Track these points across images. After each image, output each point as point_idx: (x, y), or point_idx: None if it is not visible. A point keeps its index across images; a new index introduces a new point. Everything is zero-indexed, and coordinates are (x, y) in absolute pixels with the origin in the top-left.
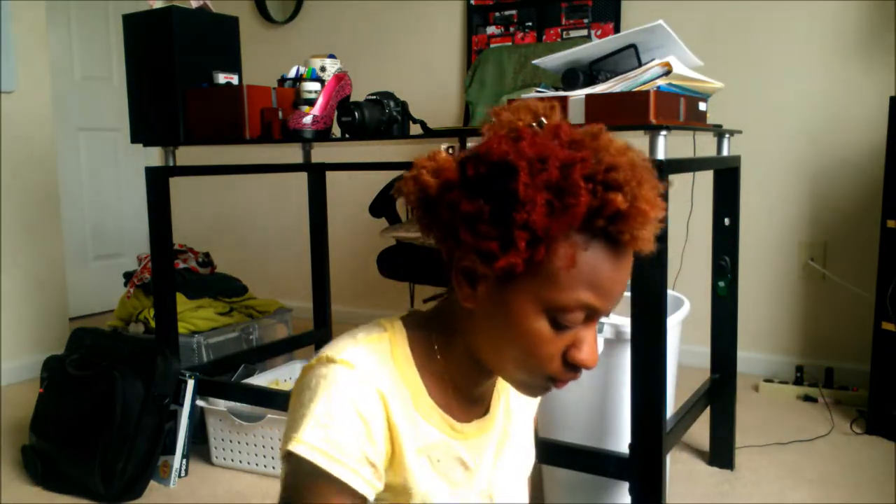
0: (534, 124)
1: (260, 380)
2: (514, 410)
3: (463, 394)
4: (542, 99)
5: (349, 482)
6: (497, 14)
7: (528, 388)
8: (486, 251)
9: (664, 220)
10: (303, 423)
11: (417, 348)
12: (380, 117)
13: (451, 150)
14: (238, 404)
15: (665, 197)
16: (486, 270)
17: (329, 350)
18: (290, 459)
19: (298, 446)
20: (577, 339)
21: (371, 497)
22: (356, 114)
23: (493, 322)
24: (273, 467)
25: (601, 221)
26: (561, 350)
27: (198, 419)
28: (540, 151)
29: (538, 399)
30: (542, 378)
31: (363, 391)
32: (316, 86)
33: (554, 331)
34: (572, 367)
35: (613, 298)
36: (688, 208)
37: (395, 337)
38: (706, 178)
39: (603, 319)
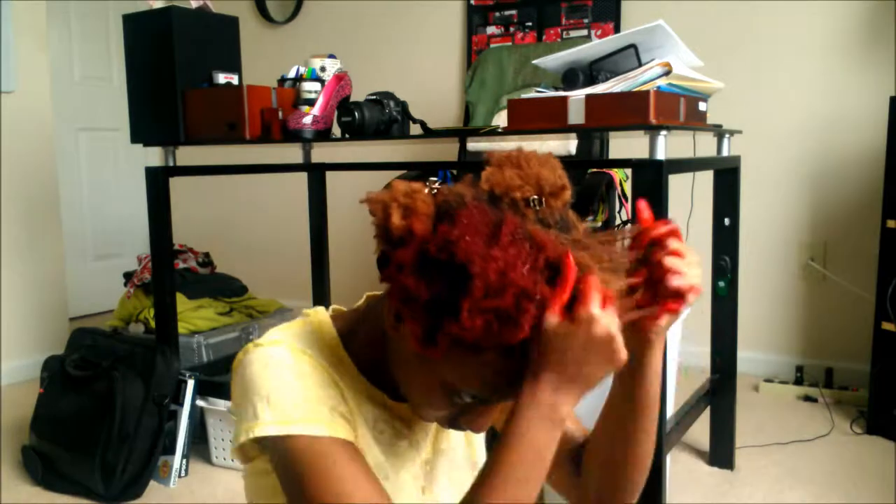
0: (534, 198)
1: None
2: None
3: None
4: (558, 169)
5: (329, 434)
6: (497, 14)
7: (421, 417)
8: (406, 327)
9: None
10: (257, 407)
11: (343, 328)
12: (380, 117)
13: (434, 192)
14: None
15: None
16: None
17: (254, 340)
18: (272, 447)
19: (265, 428)
20: (467, 407)
21: (353, 440)
22: (356, 114)
23: (404, 359)
24: None
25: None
26: (452, 412)
27: (198, 419)
28: (504, 270)
29: None
30: (434, 420)
31: (297, 359)
32: (316, 86)
33: (448, 399)
34: (460, 426)
35: (509, 395)
36: (688, 208)
37: (319, 318)
38: (706, 178)
39: None
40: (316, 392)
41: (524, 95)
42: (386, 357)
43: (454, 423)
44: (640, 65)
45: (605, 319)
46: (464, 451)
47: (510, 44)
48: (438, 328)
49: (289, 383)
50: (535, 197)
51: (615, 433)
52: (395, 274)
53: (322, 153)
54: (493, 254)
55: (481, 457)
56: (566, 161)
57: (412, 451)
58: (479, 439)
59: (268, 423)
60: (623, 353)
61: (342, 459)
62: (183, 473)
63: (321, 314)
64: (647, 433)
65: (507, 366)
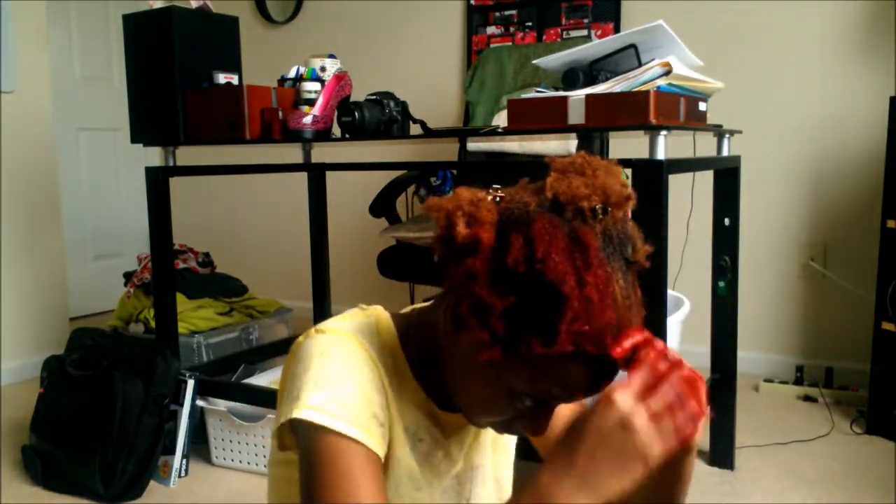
0: (599, 207)
1: (260, 380)
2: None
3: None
4: (623, 182)
5: (361, 440)
6: (497, 14)
7: (476, 424)
8: (478, 337)
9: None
10: (303, 390)
11: (401, 330)
12: (380, 117)
13: (497, 199)
14: (238, 404)
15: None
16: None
17: (317, 326)
18: (300, 429)
19: (303, 411)
20: (528, 412)
21: (382, 456)
22: (356, 114)
23: (460, 365)
24: None
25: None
26: (511, 417)
27: (198, 419)
28: (600, 296)
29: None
30: (490, 426)
31: (357, 354)
32: (316, 86)
33: (511, 403)
34: (518, 431)
35: (578, 397)
36: (688, 208)
37: (380, 316)
38: (706, 178)
39: None
40: (365, 394)
41: (524, 95)
42: (437, 364)
43: (510, 427)
44: (640, 65)
45: (626, 405)
46: (490, 468)
47: (510, 44)
48: (520, 341)
49: (341, 377)
50: (601, 206)
51: None
52: (464, 283)
53: (322, 153)
54: (587, 279)
55: (505, 474)
56: None
57: (446, 463)
58: (505, 456)
59: (309, 408)
60: (647, 457)
61: (365, 470)
62: (183, 473)
63: (381, 311)
64: None
65: (587, 373)
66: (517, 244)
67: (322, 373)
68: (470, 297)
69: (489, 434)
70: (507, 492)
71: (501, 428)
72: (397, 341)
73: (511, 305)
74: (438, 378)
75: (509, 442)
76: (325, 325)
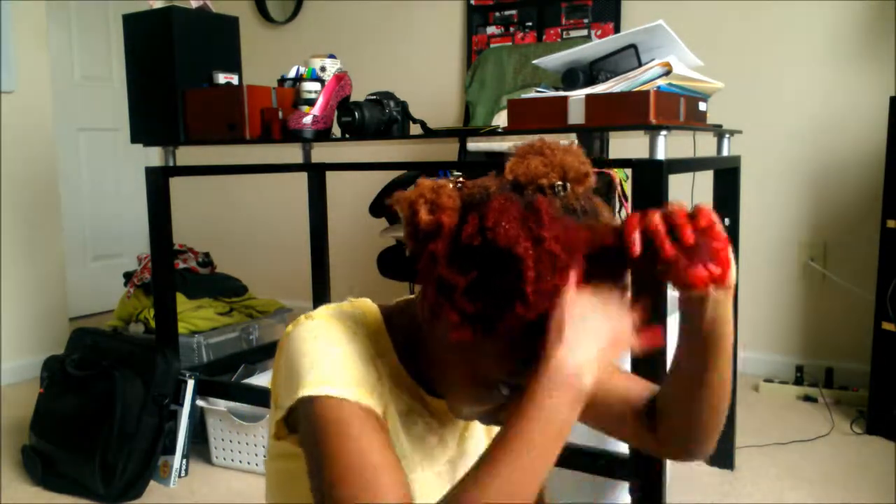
0: (558, 184)
1: (260, 380)
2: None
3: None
4: (582, 156)
5: (365, 403)
6: (497, 14)
7: (460, 416)
8: (449, 319)
9: None
10: (303, 371)
11: (387, 320)
12: (380, 117)
13: (459, 186)
14: (238, 404)
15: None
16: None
17: (306, 314)
18: (303, 407)
19: (310, 389)
20: (509, 400)
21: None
22: (356, 114)
23: (441, 354)
24: None
25: None
26: (492, 407)
27: (198, 419)
28: (560, 250)
29: None
30: (476, 417)
31: (348, 334)
32: (316, 86)
33: (487, 392)
34: (501, 421)
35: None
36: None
37: (368, 306)
38: (706, 178)
39: None
40: (357, 364)
41: (524, 95)
42: (421, 355)
43: (495, 417)
44: (640, 65)
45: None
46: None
47: (510, 44)
48: (494, 317)
49: (333, 351)
50: (560, 183)
51: (690, 383)
52: (428, 266)
53: (322, 153)
54: (543, 234)
55: None
56: None
57: (440, 448)
58: None
59: (313, 384)
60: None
61: (368, 429)
62: (183, 473)
63: (368, 302)
64: (722, 378)
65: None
66: (473, 221)
67: (318, 353)
68: (435, 279)
69: (476, 433)
70: None
71: (487, 419)
72: (384, 328)
73: (474, 281)
74: (425, 367)
75: None
76: (313, 312)
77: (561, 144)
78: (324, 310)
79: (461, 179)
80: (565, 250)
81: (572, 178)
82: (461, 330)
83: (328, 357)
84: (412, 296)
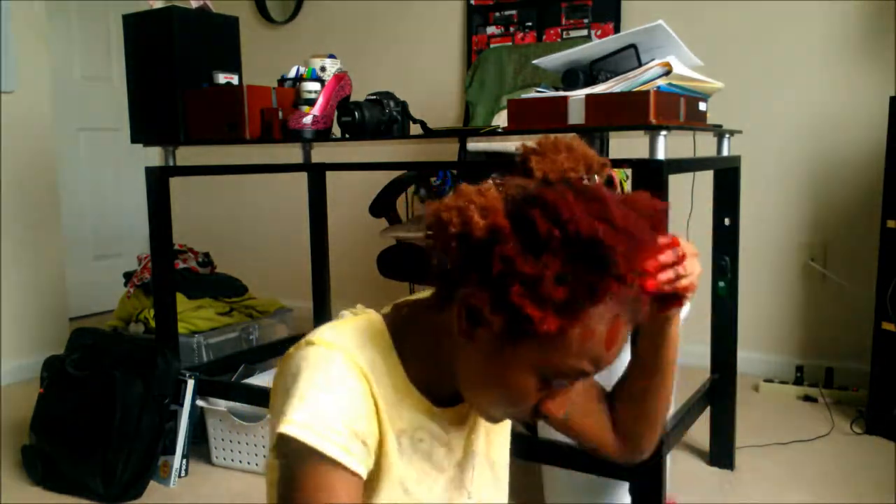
0: (585, 177)
1: (260, 380)
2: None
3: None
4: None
5: (340, 459)
6: (497, 14)
7: (491, 419)
8: (530, 315)
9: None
10: (289, 404)
11: (393, 333)
12: (380, 117)
13: (500, 188)
14: (238, 404)
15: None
16: (495, 318)
17: (308, 336)
18: (281, 443)
19: (287, 426)
20: (554, 392)
21: (364, 475)
22: (356, 114)
23: (481, 363)
24: None
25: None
26: (537, 400)
27: (198, 419)
28: (635, 230)
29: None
30: (509, 416)
31: (346, 368)
32: (316, 86)
33: (540, 386)
34: (540, 415)
35: (607, 365)
36: (688, 208)
37: (371, 319)
38: (706, 178)
39: None
40: (350, 409)
41: (524, 95)
42: (436, 365)
43: (535, 413)
44: (640, 65)
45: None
46: (484, 452)
47: (510, 44)
48: (582, 300)
49: (327, 392)
50: (586, 176)
51: (641, 388)
52: (505, 269)
53: (322, 153)
54: (615, 218)
55: (500, 457)
56: None
57: (448, 456)
58: (500, 439)
59: (293, 423)
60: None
61: (340, 490)
62: (183, 473)
63: (373, 316)
64: (666, 387)
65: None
66: (538, 215)
67: (308, 387)
68: (516, 277)
69: (487, 434)
70: (502, 474)
71: (521, 416)
72: (390, 344)
73: (561, 270)
74: (436, 376)
75: (504, 426)
76: (316, 335)
77: (566, 138)
78: (327, 333)
79: (498, 180)
80: (638, 228)
81: (596, 170)
82: (546, 323)
83: (320, 397)
84: (412, 297)
